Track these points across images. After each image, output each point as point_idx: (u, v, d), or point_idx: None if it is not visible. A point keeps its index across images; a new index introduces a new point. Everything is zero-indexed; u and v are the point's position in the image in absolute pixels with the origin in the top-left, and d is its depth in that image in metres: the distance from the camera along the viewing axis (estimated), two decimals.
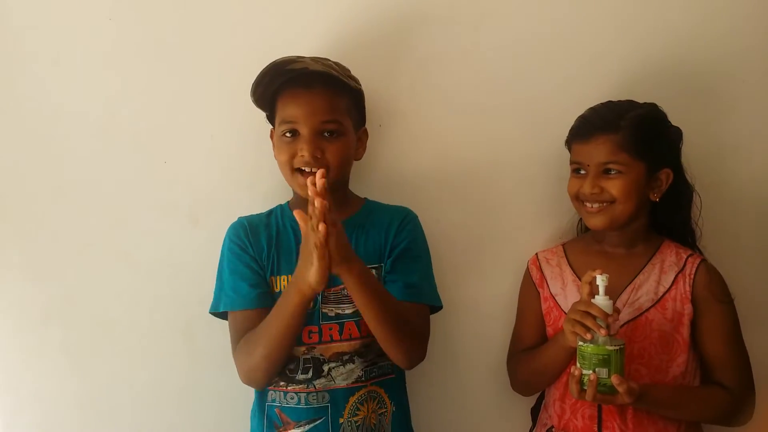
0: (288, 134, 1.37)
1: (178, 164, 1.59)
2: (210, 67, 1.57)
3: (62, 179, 1.57)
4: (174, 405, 1.62)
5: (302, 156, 1.35)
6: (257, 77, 1.38)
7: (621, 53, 1.60)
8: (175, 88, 1.57)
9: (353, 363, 1.37)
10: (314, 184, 1.15)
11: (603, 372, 1.26)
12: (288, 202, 1.50)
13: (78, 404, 1.59)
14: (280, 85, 1.37)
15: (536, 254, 1.58)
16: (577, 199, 1.46)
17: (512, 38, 1.60)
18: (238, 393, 1.54)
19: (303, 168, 1.36)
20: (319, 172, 1.16)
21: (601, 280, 1.30)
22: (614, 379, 1.25)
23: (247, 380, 1.35)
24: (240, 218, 1.46)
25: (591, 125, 1.42)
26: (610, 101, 1.47)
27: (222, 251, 1.43)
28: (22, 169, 1.56)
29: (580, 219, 1.57)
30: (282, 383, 1.39)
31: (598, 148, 1.40)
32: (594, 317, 1.28)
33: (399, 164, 1.60)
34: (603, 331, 1.25)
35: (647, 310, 1.41)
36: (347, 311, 1.37)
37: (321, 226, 1.14)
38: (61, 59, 1.54)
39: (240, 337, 1.34)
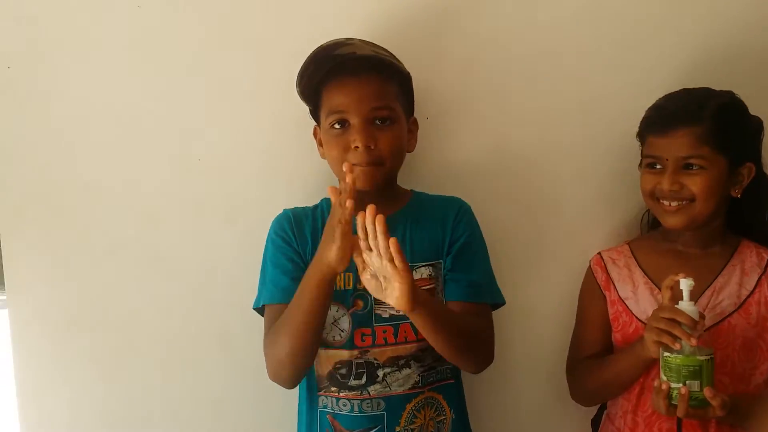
0: (337, 125, 1.29)
1: (213, 161, 1.50)
2: (246, 58, 1.49)
3: (91, 178, 1.49)
4: (209, 416, 1.53)
5: (356, 147, 1.27)
6: (302, 66, 1.31)
7: (691, 38, 1.51)
8: (210, 80, 1.49)
9: (409, 368, 1.29)
10: (351, 180, 1.13)
11: (694, 384, 1.16)
12: None
13: (106, 415, 1.51)
14: (325, 74, 1.29)
15: (599, 254, 1.48)
16: (652, 196, 1.36)
17: (572, 22, 1.51)
18: (279, 403, 1.47)
19: (357, 163, 1.28)
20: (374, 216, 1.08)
21: (685, 285, 1.20)
22: (707, 392, 1.15)
23: (274, 377, 1.26)
24: (285, 210, 1.39)
25: (670, 116, 1.33)
26: (686, 89, 1.37)
27: (266, 244, 1.36)
28: (49, 167, 1.48)
29: (644, 215, 1.49)
30: (333, 388, 1.30)
31: (678, 141, 1.31)
32: (681, 325, 1.18)
33: (449, 158, 1.52)
34: (693, 341, 1.16)
35: (730, 315, 1.32)
36: (402, 312, 1.29)
37: (348, 203, 1.10)
38: (88, 51, 1.46)
39: None
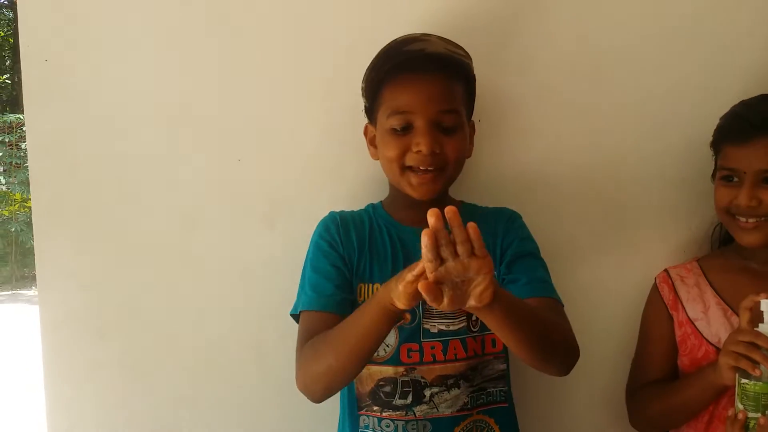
0: (398, 126, 1.20)
1: (253, 162, 1.44)
2: (289, 55, 1.42)
3: (127, 177, 1.44)
4: (240, 428, 1.46)
5: (419, 152, 1.18)
6: (372, 59, 1.22)
7: (758, 42, 1.42)
8: (251, 78, 1.42)
9: (458, 388, 1.20)
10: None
11: None
12: (381, 202, 1.34)
13: (137, 424, 1.45)
14: (390, 69, 1.20)
15: (666, 270, 1.39)
16: (727, 212, 1.27)
17: (639, 19, 1.42)
18: (316, 417, 1.39)
19: (417, 166, 1.20)
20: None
21: (767, 305, 1.11)
22: None
23: (304, 388, 1.16)
24: (332, 212, 1.31)
25: (749, 124, 1.23)
26: (766, 95, 1.28)
27: (309, 247, 1.28)
28: (82, 167, 1.43)
29: (715, 229, 1.40)
30: (376, 407, 1.22)
31: (758, 153, 1.22)
32: (761, 349, 1.09)
33: (501, 165, 1.44)
34: None
35: None
36: (452, 327, 1.20)
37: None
38: (127, 47, 1.41)
39: (310, 338, 1.16)
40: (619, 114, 1.44)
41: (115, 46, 1.41)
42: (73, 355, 1.43)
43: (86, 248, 1.43)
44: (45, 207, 1.42)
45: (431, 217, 0.89)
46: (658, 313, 1.37)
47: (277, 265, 1.41)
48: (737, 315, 1.23)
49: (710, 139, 1.34)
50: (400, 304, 0.97)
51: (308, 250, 1.28)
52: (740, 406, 1.11)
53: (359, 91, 1.35)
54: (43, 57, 1.39)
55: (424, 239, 0.89)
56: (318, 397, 1.15)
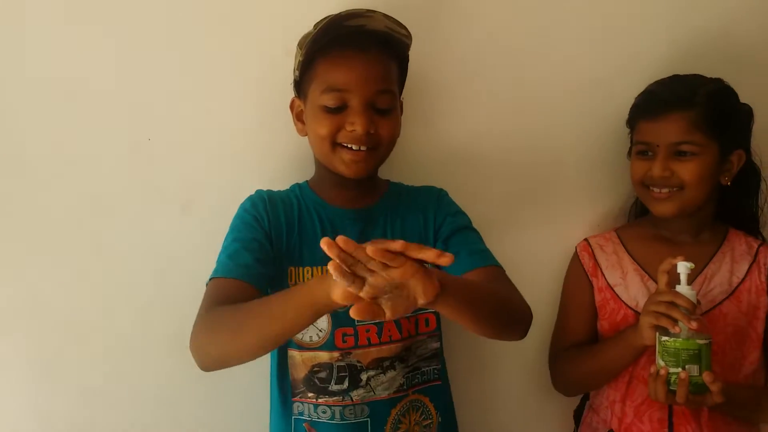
0: (331, 105, 1.15)
1: (165, 141, 1.35)
2: (207, 27, 1.33)
3: (25, 157, 1.31)
4: (163, 423, 1.39)
5: (353, 131, 1.14)
6: (311, 32, 1.14)
7: (678, 25, 1.46)
8: (165, 50, 1.32)
9: (394, 369, 1.19)
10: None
11: (693, 369, 1.13)
12: (307, 181, 1.29)
13: (46, 422, 1.35)
14: (327, 44, 1.14)
15: (586, 240, 1.44)
16: (642, 184, 1.33)
17: (560, 7, 1.43)
18: (244, 406, 1.35)
19: (349, 144, 1.16)
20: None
21: (683, 268, 1.16)
22: (707, 377, 1.12)
23: (196, 352, 1.05)
24: (259, 190, 1.25)
25: (662, 101, 1.29)
26: (677, 75, 1.34)
27: (232, 222, 1.20)
28: None
29: (633, 203, 1.45)
30: (311, 394, 1.18)
31: (670, 126, 1.27)
32: (679, 308, 1.14)
33: (426, 144, 1.42)
34: (694, 324, 1.12)
35: (721, 302, 1.30)
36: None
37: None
38: (25, 16, 1.27)
39: (217, 304, 1.07)
40: (541, 96, 1.45)
41: (11, 17, 1.27)
42: None
43: None
44: None
45: (326, 248, 0.85)
46: (578, 279, 1.41)
47: (194, 252, 1.32)
48: (654, 280, 1.30)
49: (624, 121, 1.39)
50: (343, 301, 0.90)
51: (230, 226, 1.21)
52: (661, 363, 1.16)
53: (281, 66, 1.29)
54: None
55: (331, 270, 0.85)
56: (207, 366, 1.07)
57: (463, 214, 1.28)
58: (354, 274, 0.87)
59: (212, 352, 1.04)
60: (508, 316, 1.11)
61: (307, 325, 1.01)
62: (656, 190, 1.31)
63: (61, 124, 1.31)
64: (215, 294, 1.09)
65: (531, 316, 1.15)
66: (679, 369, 1.13)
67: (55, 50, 1.29)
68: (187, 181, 1.36)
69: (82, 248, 1.34)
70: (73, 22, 1.29)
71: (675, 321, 1.14)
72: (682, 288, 1.17)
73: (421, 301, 0.91)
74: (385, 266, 0.86)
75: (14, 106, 1.29)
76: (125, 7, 1.30)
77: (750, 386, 1.30)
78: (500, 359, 1.50)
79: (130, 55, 1.31)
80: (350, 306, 0.89)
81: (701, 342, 1.13)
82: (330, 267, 0.85)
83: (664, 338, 1.16)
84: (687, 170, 1.27)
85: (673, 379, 1.14)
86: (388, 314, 0.89)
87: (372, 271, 0.87)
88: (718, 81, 1.32)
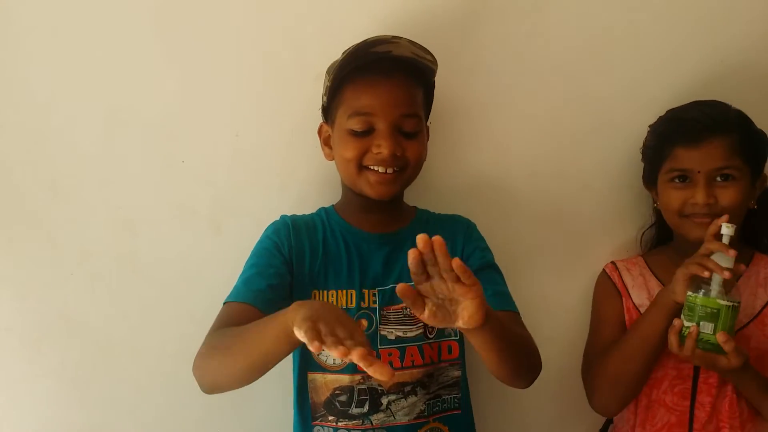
0: (358, 128, 1.17)
1: (197, 164, 1.38)
2: (236, 53, 1.37)
3: (60, 179, 1.36)
4: None
5: (379, 153, 1.16)
6: (339, 59, 1.17)
7: (697, 52, 1.46)
8: (196, 75, 1.36)
9: (415, 395, 1.19)
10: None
11: (708, 327, 1.12)
12: (333, 205, 1.31)
13: None
14: (354, 68, 1.17)
15: (613, 262, 1.43)
16: (681, 214, 1.30)
17: (580, 30, 1.44)
18: (268, 428, 1.35)
19: (375, 167, 1.17)
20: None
21: (726, 228, 1.16)
22: (719, 337, 1.11)
23: (196, 375, 1.08)
24: (284, 216, 1.27)
25: (702, 126, 1.26)
26: (700, 101, 1.33)
27: (253, 249, 1.23)
28: (13, 165, 1.35)
29: (646, 231, 1.45)
30: (331, 417, 1.19)
31: (712, 152, 1.25)
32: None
33: (451, 169, 1.43)
34: (726, 273, 1.11)
35: (745, 326, 1.27)
36: (409, 334, 1.19)
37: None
38: (60, 35, 1.33)
39: (223, 326, 1.09)
40: (565, 120, 1.45)
41: (48, 37, 1.32)
42: (8, 368, 1.36)
43: (18, 255, 1.35)
44: None
45: (420, 241, 0.89)
46: (608, 294, 1.40)
47: (223, 271, 1.32)
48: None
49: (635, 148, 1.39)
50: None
51: (252, 250, 1.23)
52: (682, 317, 1.16)
53: (309, 92, 1.31)
54: None
55: (409, 257, 0.90)
56: (205, 388, 1.08)
57: (490, 251, 1.29)
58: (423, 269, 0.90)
59: (207, 375, 1.07)
60: (527, 361, 1.13)
61: (282, 356, 0.98)
62: (697, 219, 1.27)
63: (97, 147, 1.36)
64: (223, 318, 1.12)
65: (540, 369, 1.16)
66: (692, 324, 1.13)
67: (93, 75, 1.34)
68: (218, 203, 1.39)
69: (115, 267, 1.38)
70: (108, 48, 1.34)
71: (706, 268, 1.13)
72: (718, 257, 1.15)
73: (459, 323, 0.93)
74: (457, 280, 0.90)
75: (52, 128, 1.34)
76: (158, 36, 1.35)
77: None
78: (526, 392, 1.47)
79: (164, 80, 1.35)
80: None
81: (723, 302, 1.12)
82: (408, 252, 0.90)
83: (689, 293, 1.15)
84: (728, 196, 1.25)
85: (685, 333, 1.14)
86: (426, 314, 0.93)
87: (441, 278, 0.90)
88: (732, 107, 1.31)
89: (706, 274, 1.13)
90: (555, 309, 1.47)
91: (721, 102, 1.31)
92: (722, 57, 1.46)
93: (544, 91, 1.44)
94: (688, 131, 1.28)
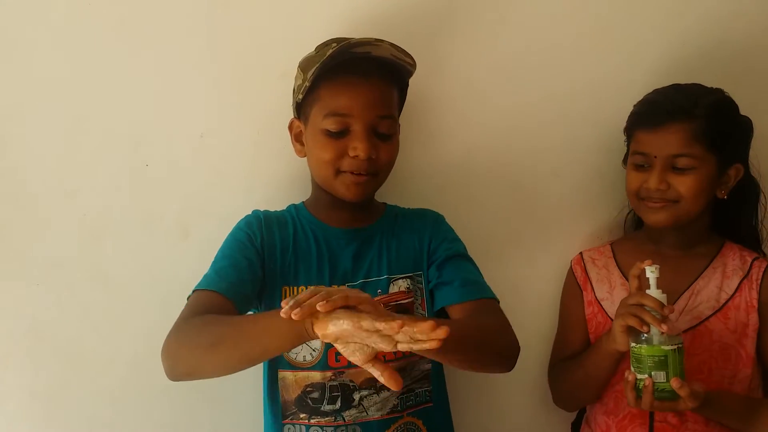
0: (333, 129, 1.17)
1: (162, 167, 1.37)
2: (199, 54, 1.36)
3: (23, 188, 1.34)
4: None
5: (356, 156, 1.16)
6: (324, 59, 1.13)
7: (672, 34, 1.46)
8: (158, 77, 1.36)
9: (388, 390, 1.18)
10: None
11: (660, 375, 1.13)
12: (303, 202, 1.31)
13: None
14: (333, 68, 1.15)
15: (580, 253, 1.44)
16: (637, 196, 1.31)
17: (550, 18, 1.44)
18: (238, 428, 1.36)
19: (351, 171, 1.18)
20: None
21: (650, 272, 1.16)
22: (674, 383, 1.11)
23: (167, 361, 1.06)
24: (256, 210, 1.27)
25: (662, 111, 1.26)
26: (677, 84, 1.32)
27: (225, 240, 1.22)
28: None
29: (628, 214, 1.45)
30: (303, 414, 1.19)
31: (669, 138, 1.25)
32: (649, 310, 1.14)
33: (421, 162, 1.43)
34: (664, 327, 1.12)
35: (707, 318, 1.28)
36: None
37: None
38: (20, 42, 1.31)
39: (197, 315, 1.07)
40: (535, 108, 1.45)
41: (5, 45, 1.31)
42: None
43: None
44: None
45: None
46: (572, 292, 1.41)
47: (193, 276, 1.30)
48: None
49: (620, 129, 1.38)
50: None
51: (224, 242, 1.22)
52: (633, 369, 1.16)
53: (274, 90, 1.31)
54: None
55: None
56: (176, 375, 1.07)
57: (459, 241, 1.29)
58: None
59: (185, 362, 1.05)
60: (491, 352, 1.13)
61: (281, 351, 1.01)
62: (651, 201, 1.29)
63: (60, 154, 1.34)
64: (196, 305, 1.10)
65: (518, 350, 1.16)
66: (646, 375, 1.13)
67: (54, 79, 1.33)
68: (184, 206, 1.38)
69: (82, 277, 1.36)
70: (70, 52, 1.33)
71: (645, 322, 1.13)
72: (652, 292, 1.16)
73: (417, 348, 0.91)
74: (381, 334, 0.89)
75: (14, 136, 1.33)
76: (120, 39, 1.34)
77: (744, 396, 1.27)
78: (501, 377, 1.46)
79: (126, 82, 1.34)
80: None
81: (667, 348, 1.12)
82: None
83: (633, 345, 1.16)
84: (683, 184, 1.25)
85: (640, 386, 1.14)
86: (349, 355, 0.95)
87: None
88: (719, 92, 1.30)
89: (645, 329, 1.13)
90: (528, 297, 1.48)
91: (697, 86, 1.30)
92: (700, 38, 1.46)
93: (512, 83, 1.45)
94: (647, 115, 1.29)
